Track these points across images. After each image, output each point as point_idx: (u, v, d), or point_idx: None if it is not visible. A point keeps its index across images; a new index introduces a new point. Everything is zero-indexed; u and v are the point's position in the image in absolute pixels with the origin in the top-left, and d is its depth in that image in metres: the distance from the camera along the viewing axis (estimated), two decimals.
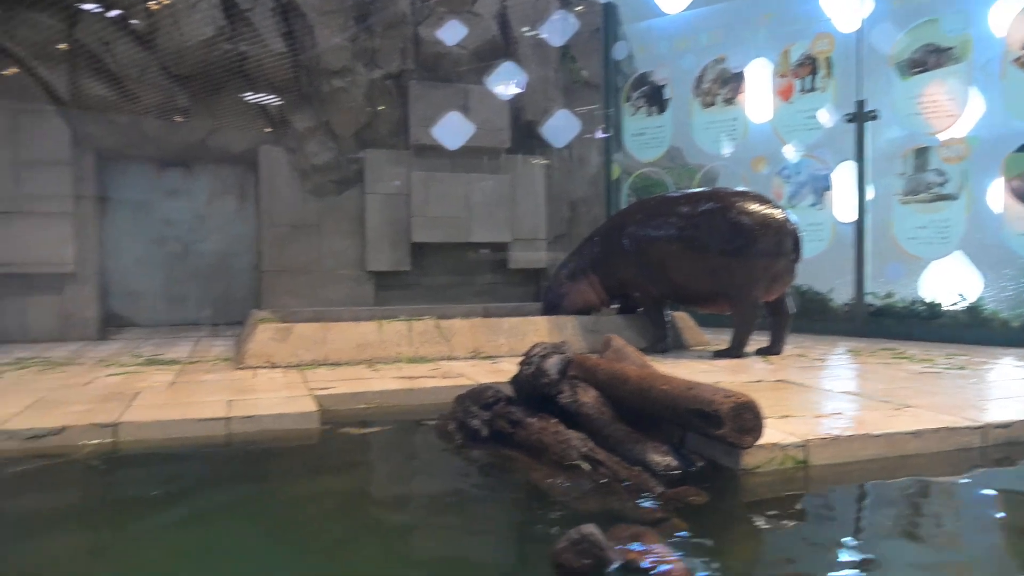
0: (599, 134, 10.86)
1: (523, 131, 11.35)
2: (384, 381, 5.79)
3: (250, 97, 10.14)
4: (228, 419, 4.51)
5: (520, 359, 4.11)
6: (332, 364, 6.67)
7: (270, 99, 10.21)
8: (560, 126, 11.11)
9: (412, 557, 2.50)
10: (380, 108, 10.74)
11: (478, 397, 3.97)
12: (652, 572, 1.87)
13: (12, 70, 9.21)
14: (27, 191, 9.46)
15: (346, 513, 3.07)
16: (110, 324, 10.37)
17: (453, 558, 2.48)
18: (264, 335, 6.87)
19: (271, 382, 5.94)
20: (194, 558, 2.46)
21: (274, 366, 6.65)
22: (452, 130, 10.67)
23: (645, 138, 9.26)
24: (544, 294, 8.60)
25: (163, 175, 10.89)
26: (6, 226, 9.35)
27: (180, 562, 2.45)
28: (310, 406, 4.85)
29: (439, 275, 11.17)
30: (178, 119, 9.71)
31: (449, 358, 6.96)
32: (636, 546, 2.01)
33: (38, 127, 9.49)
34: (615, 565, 1.92)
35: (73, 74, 9.43)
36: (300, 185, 10.62)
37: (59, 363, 7.52)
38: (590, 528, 1.99)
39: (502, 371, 6.14)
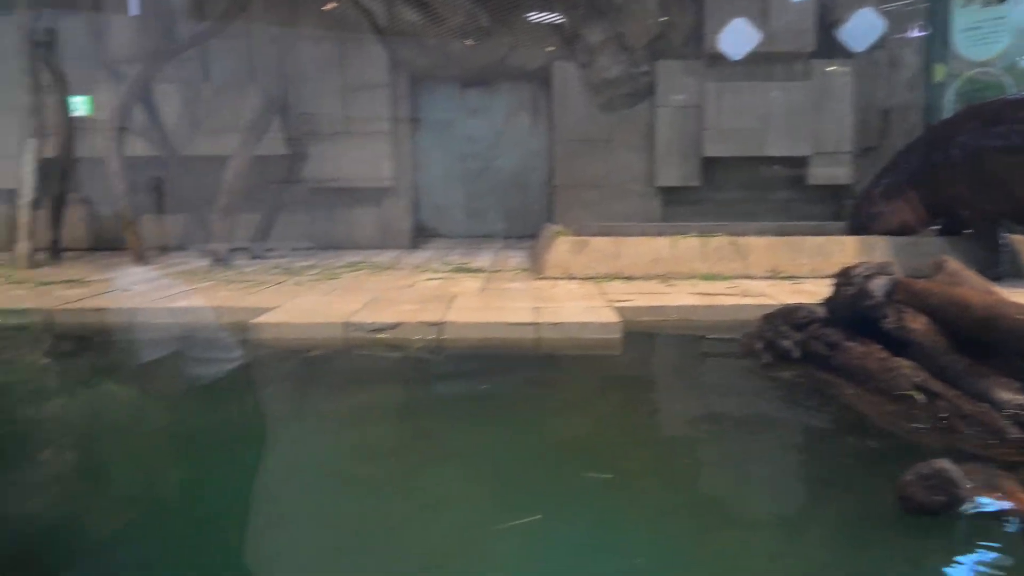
0: (916, 32, 9.70)
1: (828, 33, 10.49)
2: (681, 296, 5.94)
3: (544, 14, 10.51)
4: (537, 325, 4.98)
5: (831, 280, 3.99)
6: (626, 278, 6.97)
7: (564, 14, 10.49)
8: (863, 25, 10.07)
9: (745, 476, 2.53)
10: (672, 17, 10.54)
11: (789, 317, 3.94)
12: (1010, 520, 1.79)
13: (336, 3, 10.48)
14: (352, 114, 10.82)
15: (653, 426, 3.25)
16: (420, 234, 11.69)
17: (786, 478, 2.56)
18: (562, 248, 7.34)
19: (570, 293, 6.38)
20: (513, 450, 2.74)
21: (571, 277, 7.12)
22: (741, 37, 10.16)
23: (980, 32, 8.11)
24: (851, 213, 8.09)
25: (465, 94, 11.80)
26: (336, 145, 10.82)
27: (499, 451, 2.74)
28: (612, 317, 5.17)
29: (730, 191, 10.92)
30: (478, 40, 10.40)
31: (745, 276, 6.92)
32: (989, 489, 1.88)
33: (361, 54, 10.74)
34: (968, 505, 1.84)
35: (390, 3, 10.47)
36: (591, 100, 10.90)
37: (383, 267, 8.70)
38: (944, 463, 1.89)
39: (806, 292, 5.99)
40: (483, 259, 9.16)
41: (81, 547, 1.60)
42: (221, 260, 8.65)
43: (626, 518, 2.15)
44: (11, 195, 9.37)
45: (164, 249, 10.02)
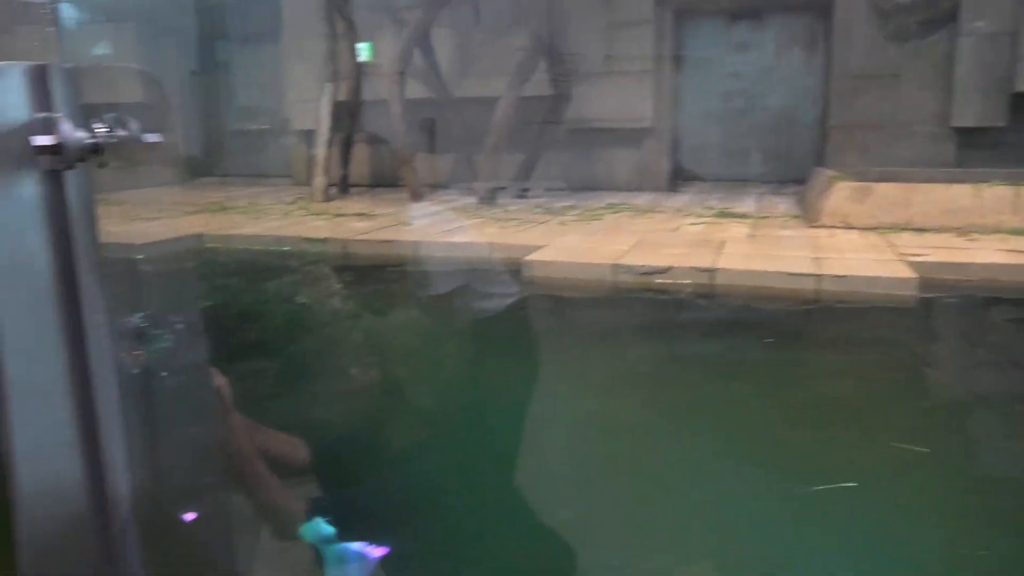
0: None
1: None
2: (987, 253, 5.45)
3: None
4: (819, 276, 4.86)
5: None
6: (916, 229, 6.50)
7: None
8: None
9: None
10: None
11: None
12: None
13: None
14: (615, 53, 10.90)
15: (963, 398, 3.06)
16: (677, 177, 11.61)
17: None
18: (840, 194, 6.99)
19: (850, 243, 6.10)
20: (807, 411, 2.73)
21: (849, 227, 6.77)
22: None
23: None
24: None
25: (732, 29, 11.38)
26: (598, 86, 10.98)
27: (791, 410, 2.75)
28: (905, 272, 4.90)
29: None
30: None
31: None
32: None
33: None
34: None
35: None
36: (878, 29, 10.04)
37: (643, 210, 8.81)
38: None
39: None
40: (746, 204, 8.94)
41: (379, 454, 1.87)
42: (487, 198, 9.25)
43: (950, 498, 2.11)
44: (308, 136, 10.65)
45: (434, 187, 10.89)
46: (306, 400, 3.12)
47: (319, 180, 9.74)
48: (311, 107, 10.17)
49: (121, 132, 0.98)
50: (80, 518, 1.10)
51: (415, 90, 10.40)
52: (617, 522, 2.10)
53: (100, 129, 0.97)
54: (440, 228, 7.48)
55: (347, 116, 10.05)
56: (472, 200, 9.28)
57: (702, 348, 3.79)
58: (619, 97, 10.80)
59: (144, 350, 1.33)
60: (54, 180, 0.98)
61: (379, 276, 6.05)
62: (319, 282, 5.74)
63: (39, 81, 0.97)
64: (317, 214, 8.61)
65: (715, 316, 4.24)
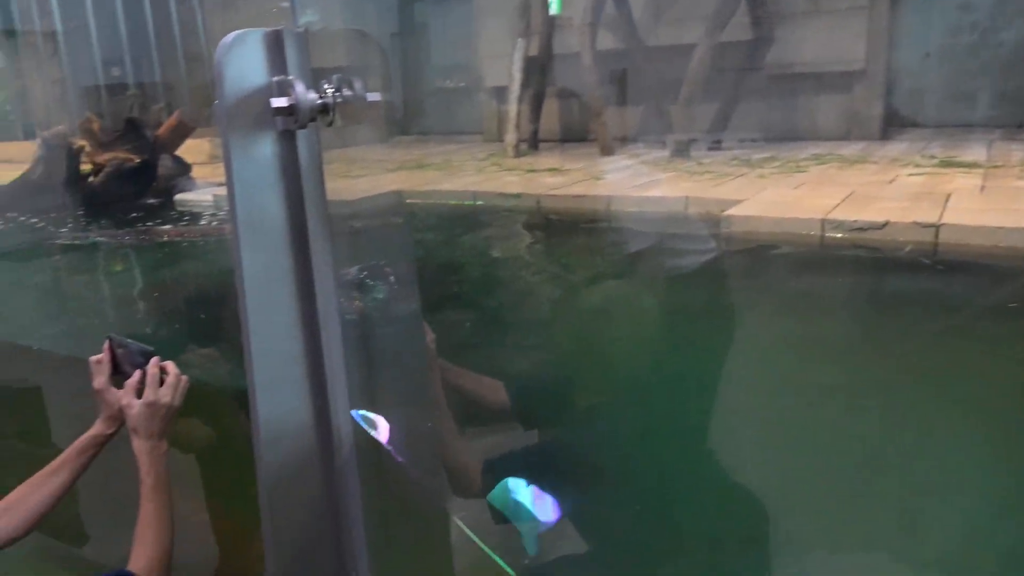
0: None
1: None
2: None
3: None
4: None
5: None
6: None
7: None
8: None
9: None
10: None
11: None
12: None
13: None
14: None
15: None
16: (890, 123, 10.68)
17: None
18: None
19: None
20: None
21: None
22: None
23: None
24: None
25: None
26: (805, 26, 10.26)
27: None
28: None
29: None
30: None
31: None
32: None
33: None
34: None
35: None
36: None
37: (852, 160, 8.20)
38: None
39: None
40: (975, 152, 8.08)
41: (571, 405, 1.86)
42: (680, 151, 9.00)
43: None
44: (500, 92, 10.83)
45: (624, 140, 10.75)
46: (500, 351, 3.22)
47: (510, 136, 9.91)
48: (503, 63, 10.33)
49: (347, 92, 1.05)
50: (309, 450, 1.20)
51: (606, 41, 10.25)
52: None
53: (329, 90, 1.04)
54: (633, 182, 7.40)
55: (538, 71, 10.12)
56: (663, 153, 9.07)
57: (928, 312, 3.49)
58: (827, 38, 10.05)
59: (362, 299, 1.43)
60: (288, 139, 1.07)
61: (572, 231, 6.10)
62: (513, 237, 5.87)
63: (275, 46, 1.05)
64: (509, 170, 8.79)
65: (941, 276, 3.89)
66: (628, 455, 1.74)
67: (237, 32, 1.02)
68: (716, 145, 9.72)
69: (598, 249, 5.20)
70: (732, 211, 5.52)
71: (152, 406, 1.42)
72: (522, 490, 1.67)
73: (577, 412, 1.86)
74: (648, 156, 9.19)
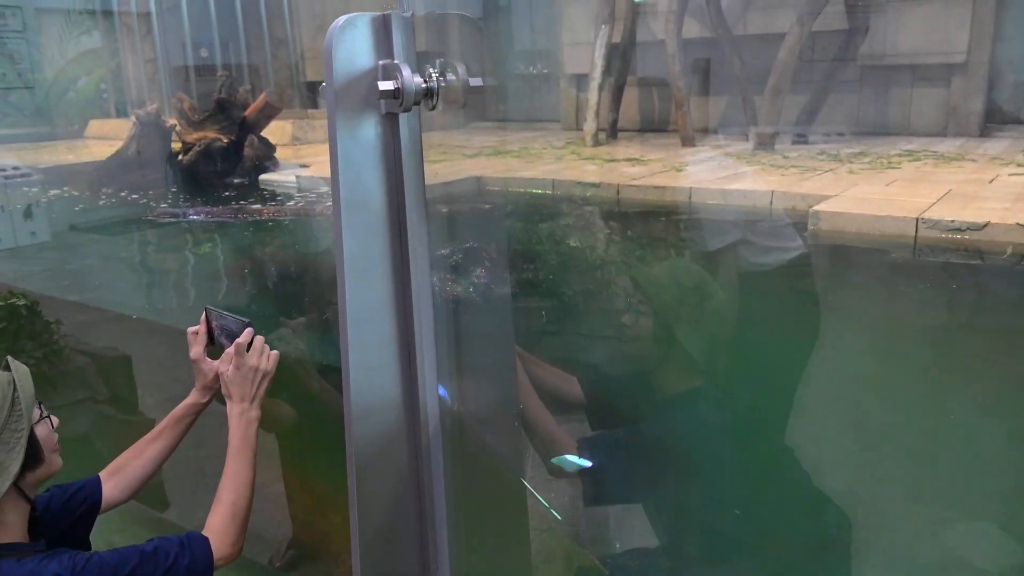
0: None
1: None
2: None
3: None
4: None
5: None
6: None
7: None
8: None
9: None
10: None
11: None
12: None
13: None
14: None
15: None
16: (991, 120, 10.20)
17: None
18: None
19: None
20: None
21: None
22: None
23: None
24: None
25: None
26: (902, 15, 9.88)
27: None
28: None
29: None
30: None
31: None
32: None
33: None
34: None
35: None
36: None
37: (949, 157, 7.87)
38: None
39: None
40: None
41: (648, 400, 1.85)
42: (765, 144, 8.80)
43: None
44: (580, 80, 10.79)
45: (705, 131, 10.57)
46: (578, 341, 3.22)
47: (590, 124, 9.87)
48: (585, 50, 10.27)
49: (451, 77, 1.07)
50: (397, 426, 1.24)
51: (691, 29, 10.08)
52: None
53: (433, 74, 1.07)
54: (716, 175, 7.29)
55: (620, 58, 10.03)
56: (746, 146, 8.89)
57: (1015, 319, 3.33)
58: (927, 28, 9.65)
59: (455, 281, 1.46)
60: (391, 122, 1.10)
61: (652, 223, 6.04)
62: (592, 227, 5.86)
63: (382, 30, 1.08)
64: (588, 158, 8.76)
65: None
66: (708, 452, 1.73)
67: (348, 16, 1.05)
68: (802, 139, 9.47)
69: (678, 242, 5.15)
70: (820, 207, 5.39)
71: (246, 369, 1.48)
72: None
73: (653, 408, 1.86)
74: (731, 148, 9.03)
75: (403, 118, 1.09)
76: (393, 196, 1.14)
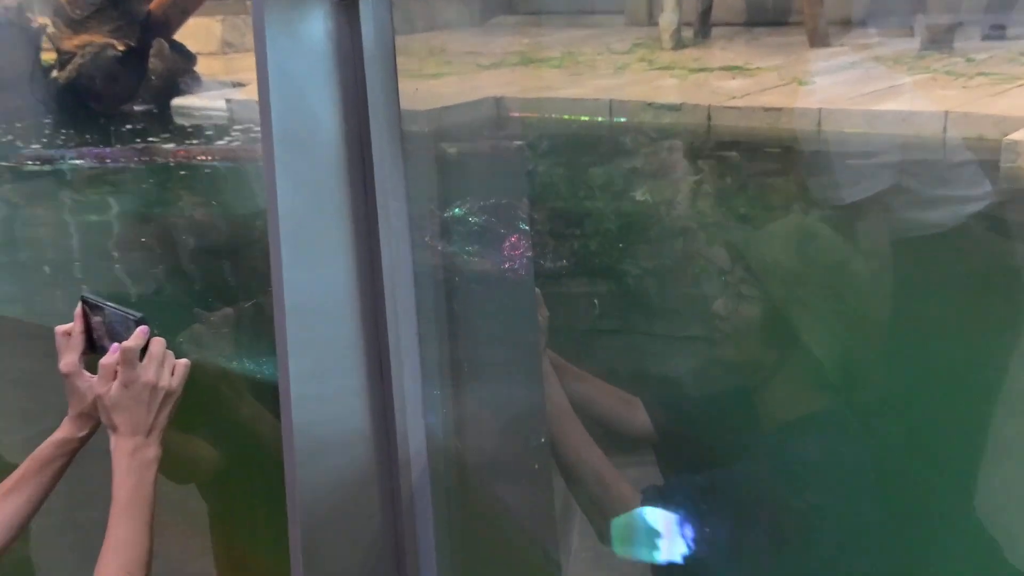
0: None
1: None
2: None
3: None
4: None
5: None
6: None
7: None
8: None
9: None
10: None
11: None
12: None
13: None
14: None
15: None
16: None
17: None
18: None
19: None
20: None
21: None
22: None
23: None
24: None
25: None
26: None
27: None
28: None
29: None
30: None
31: None
32: None
33: None
34: None
35: None
36: None
37: None
38: None
39: None
40: None
41: (752, 427, 1.83)
42: (939, 40, 8.67)
43: None
44: None
45: (846, 24, 10.43)
46: (649, 341, 3.22)
47: (668, 18, 9.78)
48: None
49: None
50: (362, 470, 1.24)
51: None
52: None
53: None
54: (860, 89, 7.20)
55: None
56: (910, 44, 8.77)
57: None
58: None
59: (454, 255, 1.45)
60: (348, 13, 1.09)
61: (762, 163, 6.00)
62: (669, 171, 5.82)
63: None
64: (665, 67, 8.71)
65: None
66: (841, 511, 1.72)
67: None
68: (997, 32, 9.32)
69: (801, 192, 5.10)
70: (1018, 135, 5.32)
71: (138, 387, 1.48)
72: (661, 521, 1.69)
73: (759, 442, 1.85)
74: (884, 48, 8.90)
75: (366, 7, 1.09)
76: (353, 127, 1.14)
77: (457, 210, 1.48)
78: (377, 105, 1.09)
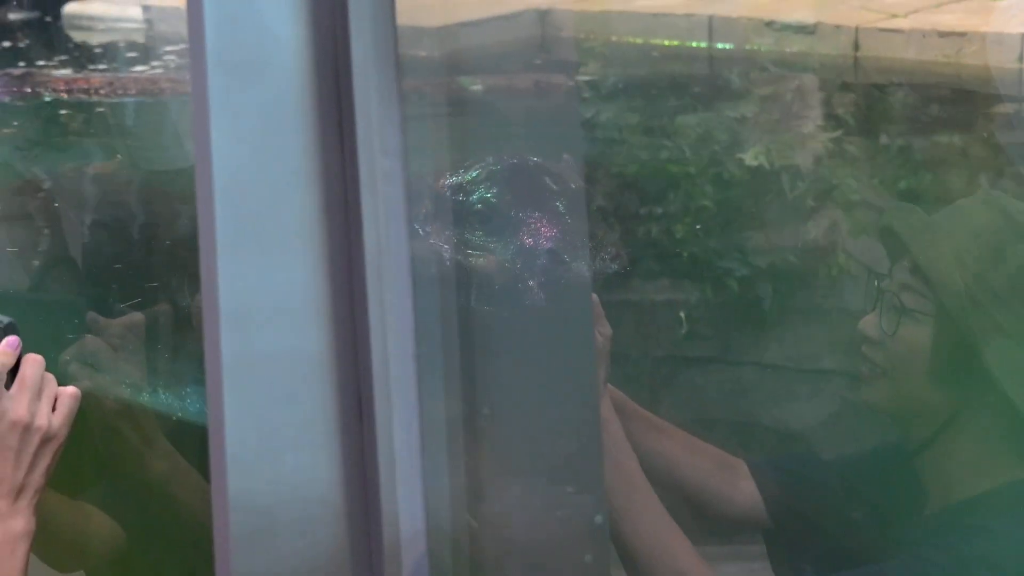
0: None
1: None
2: None
3: None
4: None
5: None
6: None
7: None
8: None
9: None
10: None
11: None
12: None
13: None
14: None
15: None
16: None
17: None
18: None
19: None
20: None
21: None
22: None
23: None
24: None
25: None
26: None
27: None
28: None
29: None
30: None
31: None
32: None
33: None
34: None
35: None
36: None
37: None
38: None
39: None
40: None
41: (911, 505, 1.84)
42: None
43: None
44: None
45: None
46: (761, 376, 3.24)
47: None
48: None
49: None
50: (326, 552, 1.24)
51: None
52: None
53: None
54: None
55: None
56: None
57: None
58: None
59: (471, 245, 1.44)
60: None
61: (937, 114, 6.01)
62: (796, 122, 5.84)
63: None
64: None
65: None
66: None
67: None
68: None
69: (995, 157, 5.11)
70: None
71: (2, 428, 1.49)
72: None
73: (922, 527, 1.87)
74: None
75: None
76: (326, 51, 1.14)
77: (475, 173, 1.47)
78: (362, 17, 1.08)
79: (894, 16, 7.03)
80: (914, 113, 6.26)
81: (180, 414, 2.14)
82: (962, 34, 6.66)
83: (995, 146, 5.51)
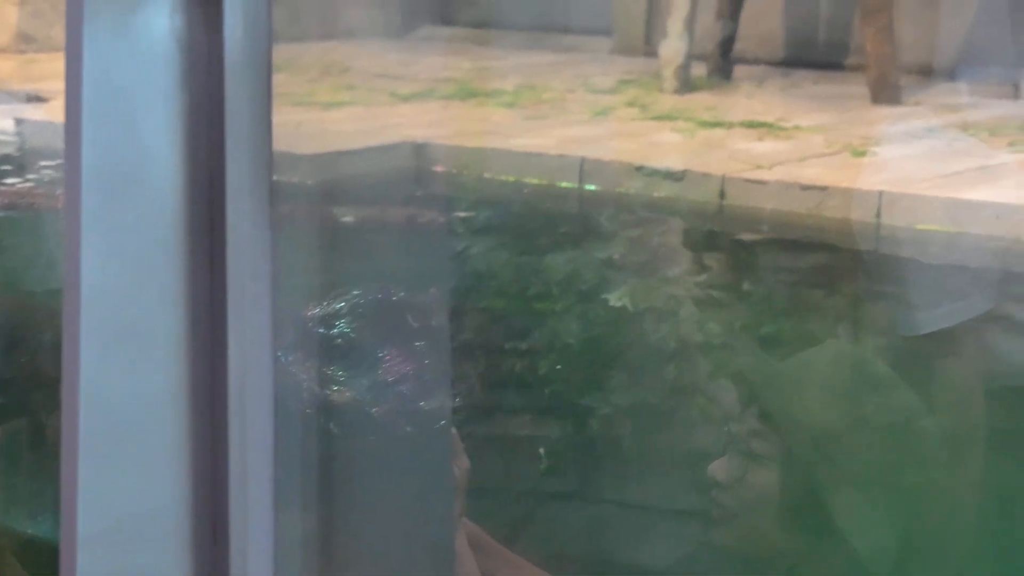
0: None
1: None
2: None
3: None
4: None
5: None
6: None
7: None
8: None
9: None
10: None
11: None
12: None
13: None
14: None
15: None
16: None
17: None
18: None
19: None
20: None
21: None
22: None
23: None
24: None
25: None
26: None
27: None
28: None
29: None
30: None
31: None
32: None
33: None
34: None
35: None
36: None
37: None
38: None
39: None
40: None
41: None
42: None
43: None
44: None
45: (926, 74, 10.67)
46: (619, 515, 3.24)
47: (673, 46, 9.98)
48: None
49: None
50: None
51: None
52: None
53: None
54: (940, 168, 7.35)
55: None
56: (1010, 107, 9.01)
57: None
58: None
59: (335, 374, 1.43)
60: (206, 3, 1.08)
61: (797, 264, 6.10)
62: (660, 265, 5.89)
63: None
64: (664, 117, 8.85)
65: None
66: None
67: None
68: None
69: (851, 309, 5.20)
70: None
71: None
72: None
73: None
74: (977, 112, 9.15)
75: (230, 3, 1.08)
76: (201, 173, 1.13)
77: (339, 304, 1.46)
78: (239, 141, 1.07)
79: (759, 167, 7.16)
80: (775, 262, 6.36)
81: (32, 534, 2.09)
82: (823, 188, 6.80)
83: (852, 298, 5.61)
